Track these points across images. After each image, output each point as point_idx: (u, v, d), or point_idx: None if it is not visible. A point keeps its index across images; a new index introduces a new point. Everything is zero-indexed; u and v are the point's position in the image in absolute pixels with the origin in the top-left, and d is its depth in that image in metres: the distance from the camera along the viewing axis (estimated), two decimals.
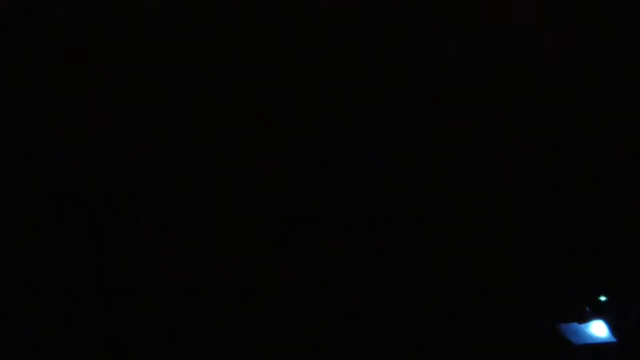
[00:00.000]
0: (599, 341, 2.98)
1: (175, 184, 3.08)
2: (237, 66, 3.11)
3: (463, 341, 3.02)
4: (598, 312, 3.02)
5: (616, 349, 2.98)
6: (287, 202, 3.10)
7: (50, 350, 2.93)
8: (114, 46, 3.06)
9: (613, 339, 2.98)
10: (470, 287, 3.07)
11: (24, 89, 3.03)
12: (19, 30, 3.04)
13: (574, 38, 3.06)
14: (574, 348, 2.99)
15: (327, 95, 3.11)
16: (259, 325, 3.02)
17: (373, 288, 3.07)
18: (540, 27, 3.00)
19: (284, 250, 3.08)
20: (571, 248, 3.09)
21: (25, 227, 3.01)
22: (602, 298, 3.02)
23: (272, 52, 3.11)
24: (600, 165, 3.10)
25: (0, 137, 3.02)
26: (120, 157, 3.05)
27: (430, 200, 3.12)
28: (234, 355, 3.00)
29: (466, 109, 3.13)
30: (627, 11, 3.02)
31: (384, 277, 3.08)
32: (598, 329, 3.00)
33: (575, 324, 3.02)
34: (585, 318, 3.03)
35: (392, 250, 3.09)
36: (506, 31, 3.01)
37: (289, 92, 3.12)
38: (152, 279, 3.03)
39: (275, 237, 3.09)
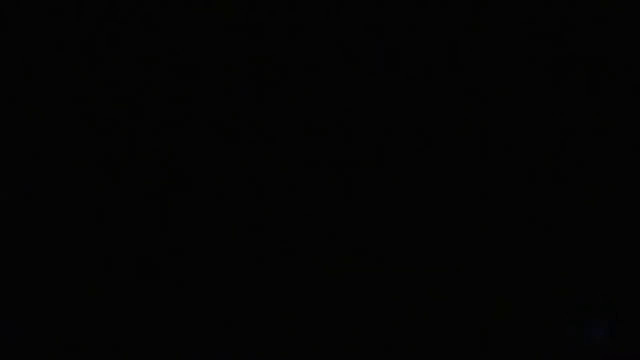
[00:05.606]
0: (598, 341, 2.98)
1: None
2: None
3: (462, 341, 3.02)
4: (598, 312, 3.02)
5: (615, 349, 2.99)
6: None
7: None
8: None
9: (612, 339, 2.98)
10: (469, 287, 3.07)
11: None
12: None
13: None
14: (573, 347, 2.99)
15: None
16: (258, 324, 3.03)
17: (372, 287, 3.08)
18: None
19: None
20: (571, 248, 3.09)
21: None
22: (602, 298, 3.03)
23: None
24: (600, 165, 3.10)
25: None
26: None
27: (429, 199, 3.12)
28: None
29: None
30: None
31: (383, 276, 3.08)
32: (598, 329, 3.00)
33: (576, 324, 3.02)
34: (586, 318, 3.03)
35: (392, 248, 3.09)
36: None
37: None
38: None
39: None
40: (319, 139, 3.12)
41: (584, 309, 3.05)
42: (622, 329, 3.01)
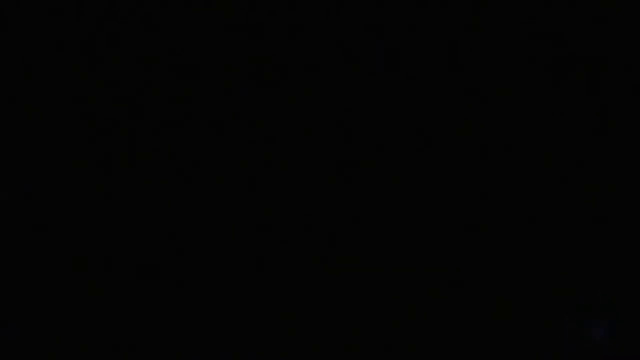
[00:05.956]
0: (598, 341, 2.98)
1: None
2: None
3: (462, 341, 3.02)
4: (598, 312, 3.02)
5: (615, 349, 2.99)
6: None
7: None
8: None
9: (612, 339, 2.98)
10: (469, 287, 3.07)
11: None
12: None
13: None
14: (573, 347, 2.99)
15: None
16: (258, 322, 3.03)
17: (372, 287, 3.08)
18: None
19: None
20: (571, 248, 3.09)
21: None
22: (602, 298, 3.03)
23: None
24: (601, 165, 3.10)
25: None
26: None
27: (429, 199, 3.12)
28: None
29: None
30: None
31: (384, 276, 3.08)
32: (598, 329, 3.00)
33: (576, 324, 3.02)
34: (586, 318, 3.03)
35: (392, 248, 3.09)
36: None
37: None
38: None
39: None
40: (319, 139, 3.12)
41: (584, 309, 3.04)
42: (622, 329, 3.01)
